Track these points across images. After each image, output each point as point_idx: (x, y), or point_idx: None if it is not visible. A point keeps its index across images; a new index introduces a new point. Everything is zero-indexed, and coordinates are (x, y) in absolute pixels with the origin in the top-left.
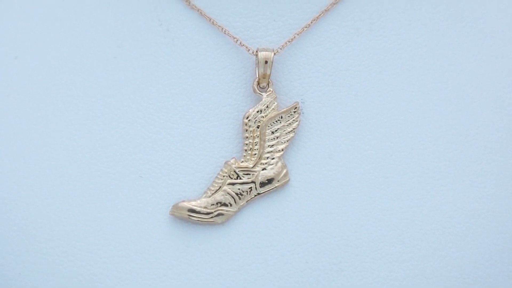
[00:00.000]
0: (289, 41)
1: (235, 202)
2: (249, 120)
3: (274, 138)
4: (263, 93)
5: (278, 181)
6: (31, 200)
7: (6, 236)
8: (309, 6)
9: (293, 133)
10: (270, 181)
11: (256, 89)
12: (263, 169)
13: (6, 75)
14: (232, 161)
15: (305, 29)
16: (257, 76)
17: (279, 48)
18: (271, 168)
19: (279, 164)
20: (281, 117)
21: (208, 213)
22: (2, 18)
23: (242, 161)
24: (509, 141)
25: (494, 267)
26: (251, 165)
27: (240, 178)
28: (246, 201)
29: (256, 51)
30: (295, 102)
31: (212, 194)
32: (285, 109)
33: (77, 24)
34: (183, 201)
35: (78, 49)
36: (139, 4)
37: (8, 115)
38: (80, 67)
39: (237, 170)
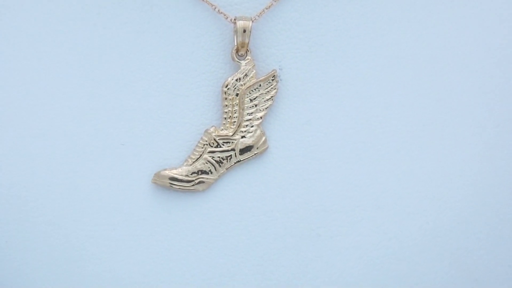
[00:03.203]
0: (266, 8)
1: (216, 169)
2: (228, 89)
3: (253, 106)
4: (241, 61)
5: (257, 148)
6: (15, 168)
7: None
8: None
9: (272, 101)
10: (249, 148)
11: (235, 57)
12: (243, 137)
13: None
14: (212, 129)
15: None
16: (236, 44)
17: (256, 15)
18: (250, 136)
19: (258, 131)
20: (260, 85)
21: (189, 181)
22: None
23: (222, 129)
24: (481, 104)
25: (467, 230)
26: (231, 133)
27: (220, 146)
28: (226, 169)
29: (234, 19)
30: (273, 70)
31: (193, 162)
32: (263, 77)
33: None
34: (165, 169)
35: (57, 17)
36: None
37: None
38: (59, 35)
39: (217, 139)
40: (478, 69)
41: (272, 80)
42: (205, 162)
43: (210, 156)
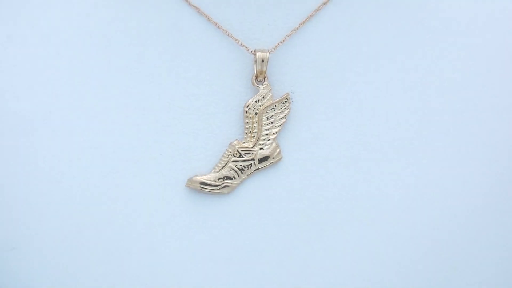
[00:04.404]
0: (281, 42)
1: (238, 176)
2: (248, 108)
3: (269, 123)
4: (260, 86)
5: (273, 158)
6: (57, 179)
7: (38, 204)
8: (296, 12)
9: (285, 119)
10: (266, 158)
11: (255, 82)
12: (261, 148)
13: (31, 60)
14: (235, 142)
15: (293, 31)
16: (255, 72)
17: (273, 48)
18: (267, 148)
19: (274, 144)
20: (275, 106)
21: (216, 185)
22: (29, 12)
23: (244, 142)
24: (491, 113)
25: (476, 237)
26: (251, 146)
27: (242, 156)
28: (247, 175)
29: (254, 51)
30: (286, 93)
31: (220, 169)
32: (278, 99)
33: (97, 18)
34: (196, 175)
35: (99, 40)
36: (155, 11)
37: (31, 98)
38: (102, 58)
39: (239, 150)
40: (472, 76)
41: (286, 101)
42: (229, 170)
43: (234, 165)
